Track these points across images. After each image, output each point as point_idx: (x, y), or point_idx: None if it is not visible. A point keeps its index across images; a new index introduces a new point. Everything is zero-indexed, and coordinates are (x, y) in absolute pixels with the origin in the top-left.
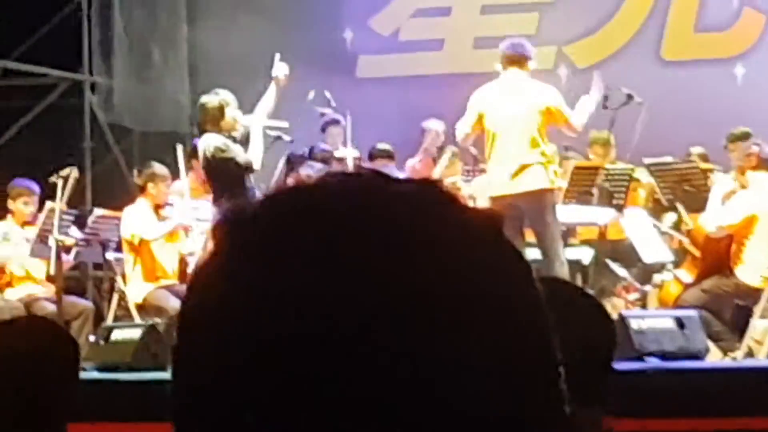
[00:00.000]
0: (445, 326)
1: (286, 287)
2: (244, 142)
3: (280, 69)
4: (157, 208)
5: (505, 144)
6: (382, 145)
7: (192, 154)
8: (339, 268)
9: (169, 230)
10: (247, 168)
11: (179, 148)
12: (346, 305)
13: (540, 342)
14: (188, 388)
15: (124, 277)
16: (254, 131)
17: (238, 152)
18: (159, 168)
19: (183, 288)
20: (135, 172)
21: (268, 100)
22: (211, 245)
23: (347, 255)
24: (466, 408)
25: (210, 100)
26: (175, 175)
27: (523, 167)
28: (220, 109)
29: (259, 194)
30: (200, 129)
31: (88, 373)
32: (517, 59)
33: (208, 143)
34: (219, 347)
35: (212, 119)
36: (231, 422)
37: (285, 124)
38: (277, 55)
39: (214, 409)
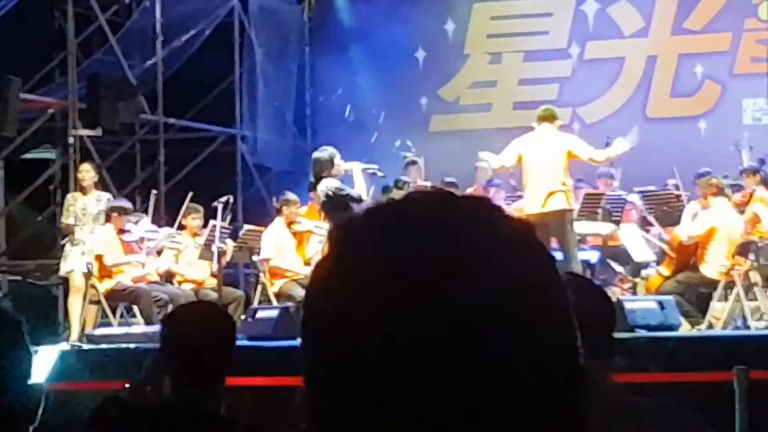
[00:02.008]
0: (501, 304)
1: (382, 279)
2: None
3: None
4: (290, 224)
5: (538, 177)
6: (449, 179)
7: (311, 188)
8: (420, 261)
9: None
10: (360, 200)
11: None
12: (424, 294)
13: (565, 314)
14: (313, 353)
15: (266, 273)
16: (356, 173)
17: (350, 190)
18: (291, 195)
19: (307, 281)
20: (274, 198)
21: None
22: (326, 248)
23: (428, 253)
24: (520, 364)
25: (322, 155)
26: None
27: (550, 194)
28: (331, 160)
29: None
30: (317, 176)
31: (241, 341)
32: (548, 117)
33: (328, 185)
34: (333, 322)
35: (327, 167)
36: (344, 374)
37: (375, 166)
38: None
39: (332, 367)
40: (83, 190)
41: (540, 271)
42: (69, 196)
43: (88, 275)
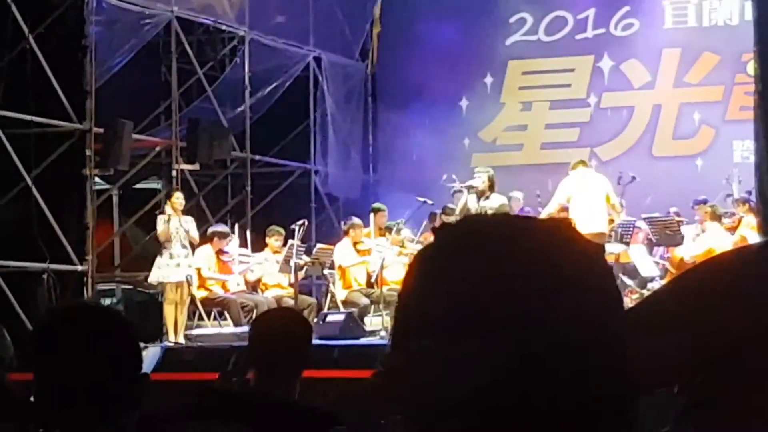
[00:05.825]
0: (572, 310)
1: (460, 278)
2: None
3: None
4: (356, 244)
5: (581, 209)
6: None
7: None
8: (493, 269)
9: (359, 261)
10: None
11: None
12: (497, 295)
13: (617, 336)
14: (403, 334)
15: (334, 284)
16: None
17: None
18: (357, 220)
19: (368, 290)
20: (342, 222)
21: None
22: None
23: (500, 263)
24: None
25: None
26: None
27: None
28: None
29: None
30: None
31: (314, 341)
32: (583, 162)
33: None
34: (422, 309)
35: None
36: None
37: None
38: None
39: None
40: (175, 213)
41: (603, 283)
42: (164, 216)
43: (180, 285)
